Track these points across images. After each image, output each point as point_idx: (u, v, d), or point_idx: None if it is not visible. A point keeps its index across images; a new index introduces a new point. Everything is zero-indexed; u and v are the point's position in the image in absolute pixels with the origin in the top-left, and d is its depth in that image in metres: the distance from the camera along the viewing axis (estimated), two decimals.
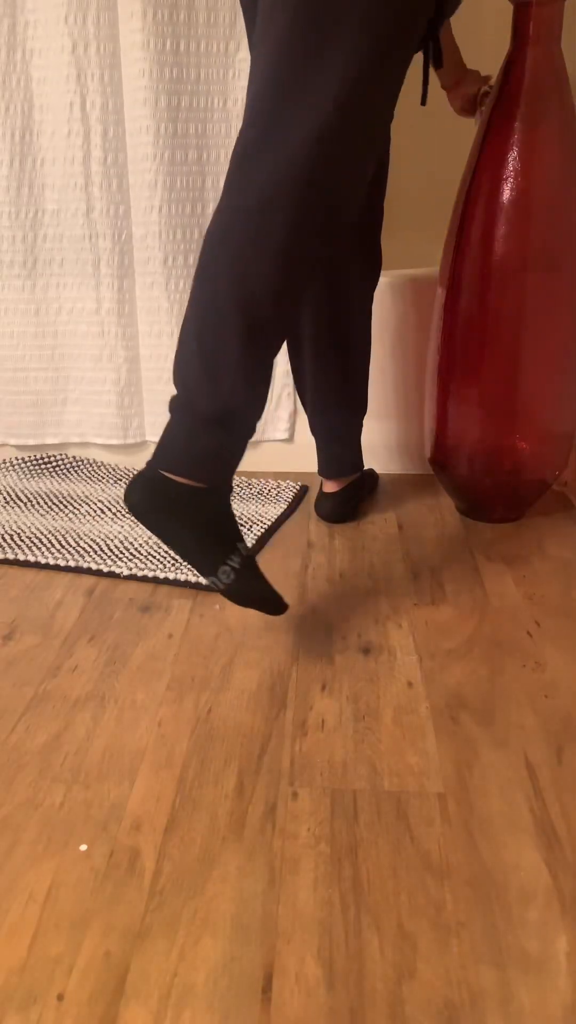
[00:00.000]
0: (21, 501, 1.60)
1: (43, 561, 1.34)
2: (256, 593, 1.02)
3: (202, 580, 1.26)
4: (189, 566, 1.02)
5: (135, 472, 1.75)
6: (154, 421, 1.77)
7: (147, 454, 1.82)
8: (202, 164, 1.57)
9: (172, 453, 0.96)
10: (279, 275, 0.93)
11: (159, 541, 1.22)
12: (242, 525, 1.48)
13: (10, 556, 1.36)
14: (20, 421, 1.80)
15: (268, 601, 1.04)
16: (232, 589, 1.00)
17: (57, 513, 1.54)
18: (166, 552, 1.36)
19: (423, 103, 1.17)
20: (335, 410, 1.44)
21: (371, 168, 0.98)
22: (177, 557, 1.33)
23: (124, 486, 1.67)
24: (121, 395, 1.74)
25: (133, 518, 1.12)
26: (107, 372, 1.72)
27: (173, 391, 1.72)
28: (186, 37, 1.48)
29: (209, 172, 1.58)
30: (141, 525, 1.03)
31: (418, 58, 1.53)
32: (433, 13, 0.99)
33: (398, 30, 0.91)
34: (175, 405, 0.98)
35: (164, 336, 1.68)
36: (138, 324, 1.70)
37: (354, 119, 0.91)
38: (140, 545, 1.40)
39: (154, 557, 1.35)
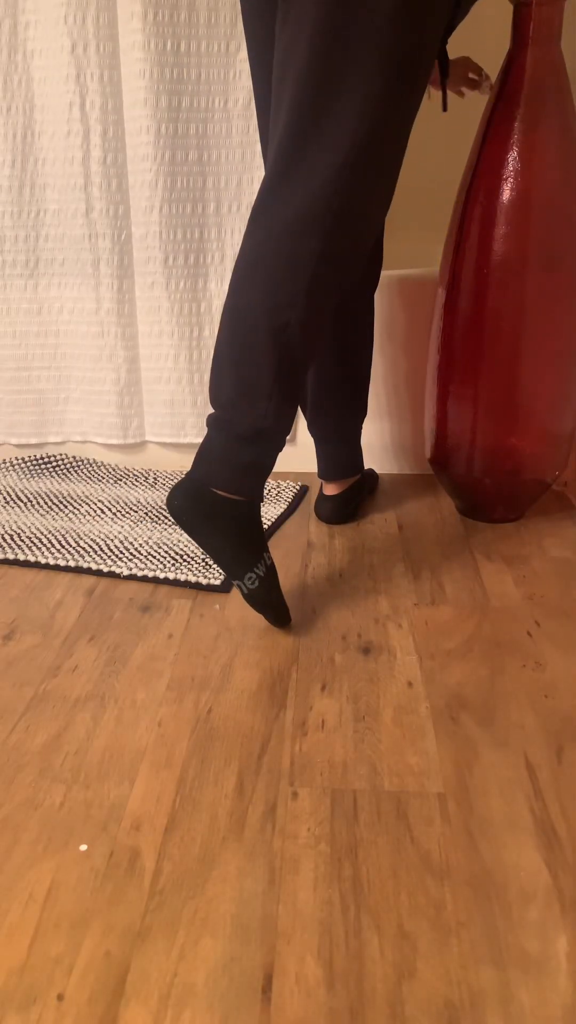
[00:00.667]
0: (21, 501, 1.60)
1: (43, 561, 1.34)
2: (272, 602, 1.10)
3: (202, 580, 1.26)
4: (218, 567, 1.11)
5: (137, 471, 1.75)
6: (153, 421, 1.77)
7: (147, 454, 1.82)
8: (202, 164, 1.57)
9: (211, 467, 1.04)
10: (309, 302, 1.00)
11: (194, 543, 1.33)
12: None
13: (10, 556, 1.36)
14: (21, 420, 1.80)
15: (280, 611, 1.12)
16: (253, 594, 1.08)
17: (57, 513, 1.54)
18: (166, 552, 1.37)
19: (444, 109, 1.19)
20: (335, 412, 1.44)
21: (390, 195, 1.03)
22: (182, 546, 1.34)
23: (124, 486, 1.67)
24: (121, 395, 1.74)
25: (175, 523, 1.20)
26: (107, 372, 1.72)
27: (173, 391, 1.72)
28: (186, 37, 1.48)
29: (209, 172, 1.58)
30: (180, 528, 1.10)
31: None
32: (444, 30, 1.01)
33: (416, 55, 0.95)
34: (213, 422, 1.05)
35: (164, 336, 1.68)
36: (138, 324, 1.70)
37: (374, 150, 0.96)
38: (140, 545, 1.40)
39: (154, 557, 1.35)
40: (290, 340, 1.01)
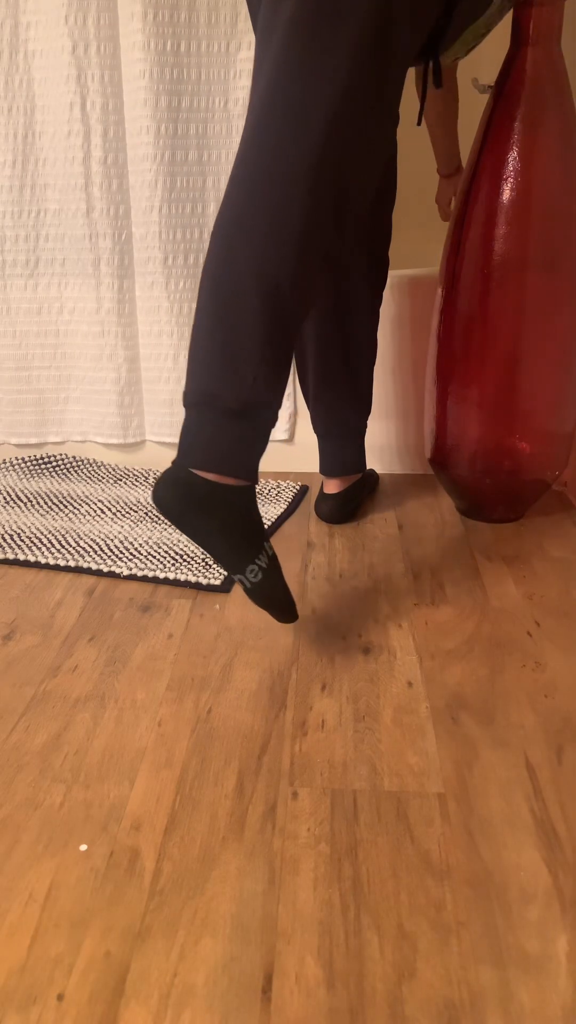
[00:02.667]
0: (21, 501, 1.60)
1: (43, 561, 1.34)
2: (277, 595, 1.02)
3: (202, 580, 1.26)
4: (216, 563, 1.01)
5: (137, 471, 1.75)
6: (154, 420, 1.77)
7: (147, 454, 1.82)
8: (202, 164, 1.57)
9: (198, 449, 0.94)
10: (298, 264, 0.93)
11: (187, 539, 1.21)
12: None
13: (10, 556, 1.36)
14: (22, 420, 1.80)
15: (285, 606, 1.03)
16: (256, 589, 0.99)
17: (57, 513, 1.54)
18: (166, 552, 1.37)
19: (419, 123, 1.20)
20: (336, 406, 1.44)
21: (380, 160, 0.99)
22: (181, 546, 1.34)
23: (124, 486, 1.67)
24: (121, 394, 1.74)
25: (163, 517, 1.10)
26: (108, 371, 1.72)
27: (173, 390, 1.72)
28: (187, 38, 1.48)
29: (209, 172, 1.58)
30: (170, 523, 1.01)
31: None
32: (435, 21, 1.00)
33: (402, 13, 0.91)
34: (193, 400, 0.96)
35: (164, 336, 1.68)
36: (138, 324, 1.70)
37: (364, 102, 0.92)
38: (140, 545, 1.40)
39: (154, 557, 1.35)
40: (281, 303, 0.93)
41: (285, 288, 0.93)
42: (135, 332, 1.70)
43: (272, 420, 0.98)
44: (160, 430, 1.77)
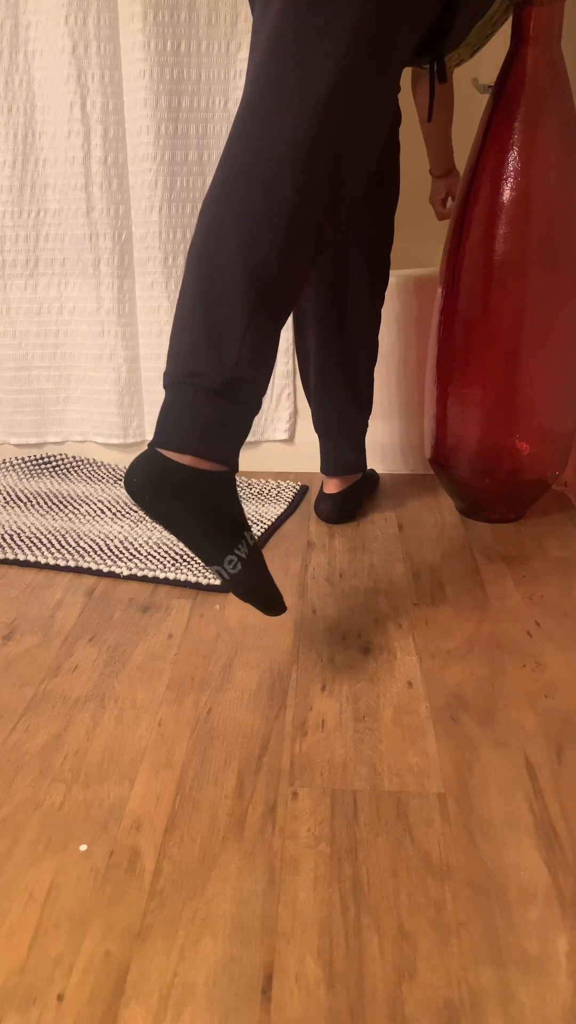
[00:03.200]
0: (21, 501, 1.60)
1: (43, 561, 1.34)
2: (260, 588, 0.96)
3: (202, 580, 1.26)
4: (192, 554, 0.95)
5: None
6: (153, 420, 1.77)
7: None
8: (202, 164, 1.57)
9: (176, 430, 0.89)
10: (287, 240, 0.90)
11: (162, 529, 1.16)
12: None
13: (10, 556, 1.36)
14: (22, 420, 1.80)
15: (271, 598, 0.98)
16: (236, 580, 0.94)
17: (57, 513, 1.54)
18: (166, 552, 1.36)
19: (428, 119, 1.19)
20: (336, 404, 1.44)
21: (378, 141, 0.97)
22: (181, 545, 1.32)
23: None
24: (121, 394, 1.74)
25: (135, 505, 1.05)
26: (107, 371, 1.72)
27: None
28: (187, 38, 1.48)
29: (209, 172, 1.58)
30: (141, 510, 0.95)
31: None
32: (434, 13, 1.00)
33: None
34: (173, 380, 0.91)
35: (164, 335, 1.68)
36: (138, 324, 1.70)
37: (360, 81, 0.89)
38: (140, 545, 1.40)
39: (154, 557, 1.35)
40: (268, 279, 0.89)
41: (273, 264, 0.89)
42: (135, 332, 1.70)
43: (255, 405, 0.94)
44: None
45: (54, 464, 1.79)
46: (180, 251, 1.62)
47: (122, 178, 1.59)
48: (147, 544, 1.40)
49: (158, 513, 0.90)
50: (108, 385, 1.74)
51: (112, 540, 1.42)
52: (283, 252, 0.90)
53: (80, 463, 1.80)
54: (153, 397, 1.74)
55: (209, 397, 0.89)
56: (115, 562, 1.33)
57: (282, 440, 1.77)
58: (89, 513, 1.54)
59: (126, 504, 1.58)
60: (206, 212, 0.92)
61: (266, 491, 1.65)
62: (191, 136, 1.54)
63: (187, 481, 0.88)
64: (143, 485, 0.88)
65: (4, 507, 1.57)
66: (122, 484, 1.68)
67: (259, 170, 0.89)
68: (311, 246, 0.93)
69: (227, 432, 0.90)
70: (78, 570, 1.32)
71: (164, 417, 0.90)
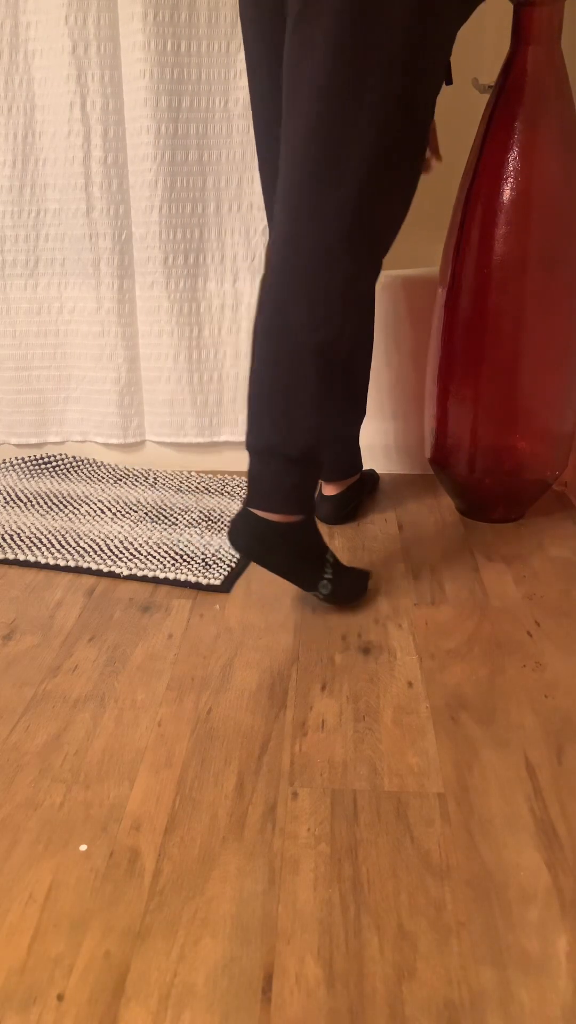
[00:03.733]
0: (21, 501, 1.60)
1: (43, 561, 1.34)
2: (352, 589, 1.18)
3: (202, 580, 1.26)
4: (295, 584, 1.16)
5: (137, 471, 1.75)
6: (153, 420, 1.77)
7: (147, 453, 1.82)
8: (202, 164, 1.57)
9: (264, 495, 1.09)
10: (346, 318, 1.03)
11: (221, 535, 1.38)
12: None
13: (10, 556, 1.36)
14: (22, 420, 1.80)
15: (361, 591, 1.20)
16: (332, 596, 1.16)
17: (57, 513, 1.54)
18: (166, 552, 1.37)
19: (449, 82, 1.18)
20: (339, 406, 1.44)
21: (410, 197, 1.04)
22: (181, 545, 1.34)
23: (124, 486, 1.67)
24: (121, 394, 1.74)
25: (242, 556, 1.25)
26: (107, 371, 1.72)
27: (173, 390, 1.72)
28: (187, 38, 1.48)
29: (210, 172, 1.58)
30: (248, 559, 1.16)
31: None
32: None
33: (431, 66, 0.96)
34: (257, 449, 1.08)
35: (164, 335, 1.68)
36: (138, 324, 1.70)
37: (394, 168, 0.99)
38: (140, 545, 1.40)
39: (154, 557, 1.35)
40: (332, 357, 1.04)
41: (334, 345, 1.04)
42: (135, 332, 1.70)
43: (323, 457, 1.11)
44: (160, 430, 1.77)
45: (54, 464, 1.79)
46: (180, 251, 1.62)
47: (122, 178, 1.58)
48: (147, 544, 1.40)
49: (261, 561, 1.11)
50: (108, 385, 1.73)
51: (112, 540, 1.42)
52: (343, 329, 1.03)
53: (80, 463, 1.80)
54: (153, 397, 1.74)
55: (289, 464, 1.07)
56: (115, 562, 1.33)
57: None
58: (89, 513, 1.54)
59: (126, 504, 1.58)
60: (270, 294, 1.04)
61: None
62: (191, 136, 1.54)
63: (279, 533, 1.09)
64: (248, 543, 1.10)
65: (4, 507, 1.57)
66: (123, 484, 1.67)
67: (316, 267, 1.00)
68: (362, 312, 1.08)
69: (305, 489, 1.09)
70: (78, 570, 1.32)
71: (253, 482, 1.10)
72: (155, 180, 1.56)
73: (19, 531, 1.46)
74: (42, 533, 1.45)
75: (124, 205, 1.61)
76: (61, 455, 1.83)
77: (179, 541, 1.41)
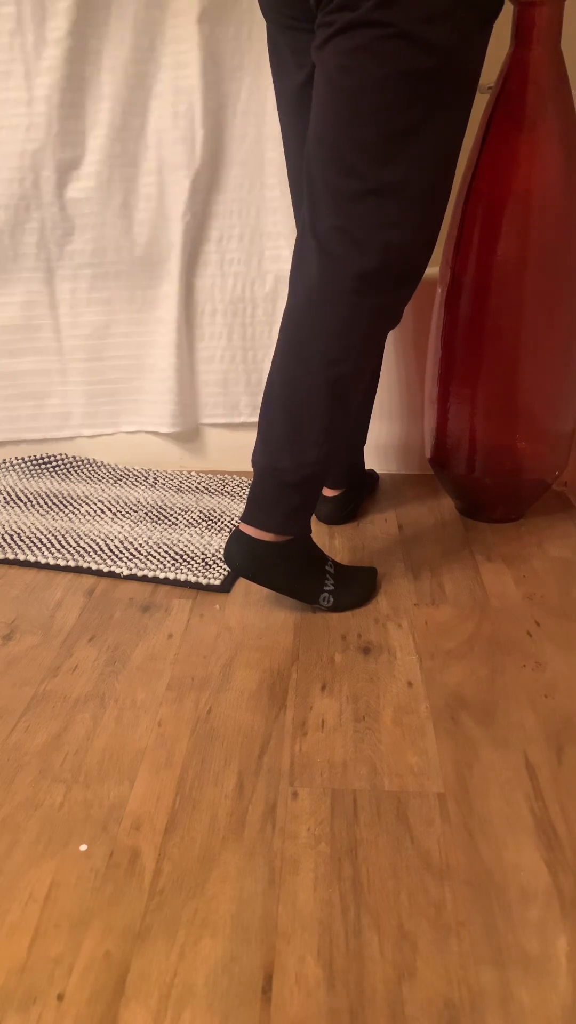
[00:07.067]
0: (21, 501, 1.60)
1: (43, 561, 1.34)
2: (358, 599, 1.19)
3: (202, 580, 1.26)
4: (296, 600, 1.18)
5: (137, 471, 1.75)
6: (153, 414, 1.76)
7: (147, 451, 1.82)
8: (260, 141, 1.53)
9: (261, 514, 1.10)
10: (363, 354, 1.04)
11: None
12: None
13: (10, 556, 1.36)
14: (21, 417, 1.79)
15: (369, 593, 1.21)
16: (336, 606, 1.17)
17: (57, 513, 1.54)
18: (166, 552, 1.37)
19: None
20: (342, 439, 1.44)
21: (432, 246, 1.05)
22: (181, 545, 1.34)
23: (124, 486, 1.67)
24: (179, 379, 1.71)
25: (239, 576, 1.25)
26: (107, 371, 1.72)
27: (172, 387, 1.72)
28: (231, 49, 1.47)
29: (210, 172, 1.57)
30: (246, 579, 1.18)
31: None
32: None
33: (465, 92, 0.98)
34: (261, 466, 1.09)
35: (163, 332, 1.68)
36: (138, 324, 1.70)
37: (430, 205, 1.00)
38: (140, 545, 1.40)
39: (154, 557, 1.35)
40: (344, 391, 1.05)
41: (347, 378, 1.05)
42: (135, 332, 1.70)
43: (323, 482, 1.12)
44: (155, 425, 1.75)
45: (54, 464, 1.79)
46: (180, 251, 1.61)
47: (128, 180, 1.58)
48: (147, 544, 1.40)
49: (258, 579, 1.13)
50: (107, 378, 1.73)
51: (112, 540, 1.42)
52: (357, 366, 1.05)
53: (80, 463, 1.80)
54: (153, 392, 1.73)
55: (289, 488, 1.08)
56: (115, 562, 1.33)
57: None
58: (89, 513, 1.54)
59: (126, 504, 1.58)
60: (291, 332, 1.05)
61: None
62: (250, 115, 1.54)
63: (275, 553, 1.11)
64: (244, 564, 1.12)
65: (4, 507, 1.57)
66: (122, 484, 1.67)
67: (342, 303, 1.01)
68: (382, 344, 1.10)
69: (303, 512, 1.11)
70: (78, 570, 1.32)
71: (254, 499, 1.11)
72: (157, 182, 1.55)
73: (19, 531, 1.46)
74: (42, 533, 1.45)
75: (130, 206, 1.60)
76: (61, 455, 1.83)
77: (179, 541, 1.41)
